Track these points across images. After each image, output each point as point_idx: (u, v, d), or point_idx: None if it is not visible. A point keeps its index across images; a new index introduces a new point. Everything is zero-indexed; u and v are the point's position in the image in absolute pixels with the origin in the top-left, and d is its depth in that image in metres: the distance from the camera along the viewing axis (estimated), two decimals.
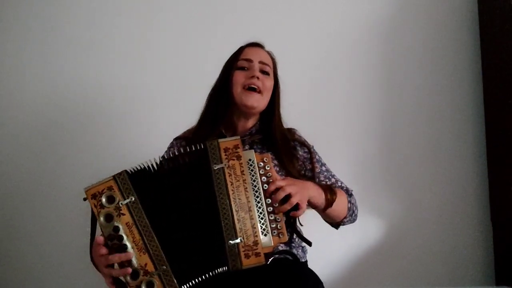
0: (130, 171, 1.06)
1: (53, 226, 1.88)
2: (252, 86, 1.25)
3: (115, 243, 1.00)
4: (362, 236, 1.86)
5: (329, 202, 1.16)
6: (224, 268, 1.03)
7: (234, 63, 1.28)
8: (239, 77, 1.26)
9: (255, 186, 1.06)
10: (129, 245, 1.01)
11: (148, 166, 1.07)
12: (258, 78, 1.25)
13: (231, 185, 1.05)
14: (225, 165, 1.06)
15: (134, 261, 1.00)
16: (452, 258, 1.87)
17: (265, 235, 1.05)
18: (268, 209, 1.07)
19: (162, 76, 1.92)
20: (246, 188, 1.06)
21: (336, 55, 1.93)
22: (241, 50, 1.31)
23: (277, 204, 1.06)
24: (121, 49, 1.93)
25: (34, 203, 1.89)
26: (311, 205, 1.15)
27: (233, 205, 1.04)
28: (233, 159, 1.07)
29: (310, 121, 1.86)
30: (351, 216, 1.28)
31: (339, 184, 1.32)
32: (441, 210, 1.88)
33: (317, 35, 1.93)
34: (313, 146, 1.36)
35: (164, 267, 1.01)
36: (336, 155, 1.86)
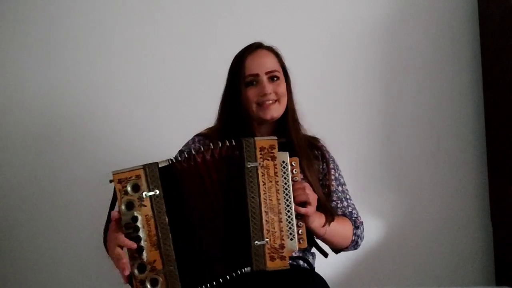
0: (162, 164, 1.04)
1: (53, 227, 1.87)
2: (268, 102, 1.22)
3: (130, 233, 0.99)
4: None
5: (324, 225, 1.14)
6: (247, 268, 1.02)
7: (240, 79, 1.23)
8: (252, 95, 1.22)
9: (286, 189, 1.05)
10: (143, 237, 1.00)
11: (180, 162, 1.04)
12: (270, 93, 1.22)
13: (263, 185, 1.04)
14: (259, 164, 1.05)
15: (144, 254, 1.00)
16: (452, 258, 1.87)
17: (291, 239, 1.04)
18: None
19: (164, 77, 1.90)
20: (278, 190, 1.05)
21: (336, 56, 1.92)
22: (242, 62, 1.25)
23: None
24: (121, 50, 1.91)
25: (34, 204, 1.87)
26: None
27: (263, 206, 1.03)
28: (268, 159, 1.05)
29: (310, 121, 1.86)
30: (353, 246, 1.27)
31: (349, 210, 1.28)
32: (441, 210, 1.88)
33: (317, 36, 1.92)
34: (334, 160, 1.34)
35: (172, 267, 1.00)
36: (337, 155, 1.85)
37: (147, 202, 1.01)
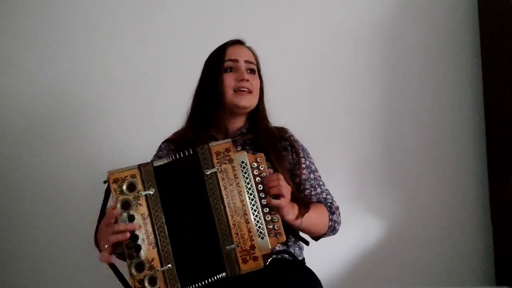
0: (156, 163, 1.05)
1: (53, 225, 1.88)
2: (243, 89, 1.25)
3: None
4: (362, 236, 1.86)
5: (299, 216, 1.14)
6: (222, 274, 1.03)
7: (220, 64, 1.27)
8: (229, 80, 1.25)
9: (249, 189, 1.06)
10: (140, 236, 1.00)
11: (173, 161, 1.06)
12: (247, 80, 1.25)
13: (225, 189, 1.05)
14: (217, 169, 1.05)
15: (142, 253, 1.00)
16: (452, 258, 1.87)
17: (262, 238, 1.04)
18: (264, 210, 1.06)
19: (163, 77, 1.92)
20: (241, 191, 1.05)
21: (336, 56, 1.93)
22: (224, 50, 1.30)
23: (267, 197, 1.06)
24: (118, 49, 1.93)
25: (34, 203, 1.89)
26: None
27: (227, 210, 1.04)
28: (225, 163, 1.05)
29: (311, 121, 1.87)
30: (332, 232, 1.27)
31: (324, 196, 1.29)
32: (441, 210, 1.88)
33: (317, 36, 1.93)
34: (303, 149, 1.34)
35: (170, 265, 1.01)
36: (337, 155, 1.87)
37: (143, 201, 1.02)
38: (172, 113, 1.87)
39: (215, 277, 1.02)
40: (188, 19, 1.94)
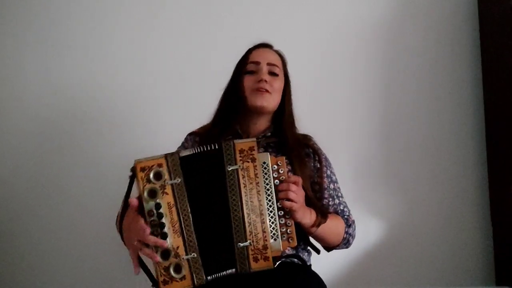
0: (182, 154, 1.06)
1: (54, 228, 1.87)
2: (260, 90, 1.25)
3: (154, 220, 1.01)
4: (362, 236, 1.85)
5: (315, 224, 1.15)
6: (232, 270, 1.04)
7: (243, 67, 1.29)
8: (248, 82, 1.26)
9: (268, 190, 1.06)
10: (166, 224, 1.01)
11: (198, 153, 1.07)
12: (266, 81, 1.25)
13: (244, 187, 1.06)
14: (239, 166, 1.06)
15: (168, 241, 1.01)
16: (452, 258, 1.87)
17: (275, 239, 1.05)
18: (279, 213, 1.07)
19: (165, 76, 1.91)
20: (259, 191, 1.06)
21: (336, 55, 1.93)
22: (249, 53, 1.31)
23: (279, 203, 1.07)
24: (123, 50, 1.93)
25: (36, 205, 1.88)
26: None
27: (244, 208, 1.05)
28: (248, 161, 1.07)
29: (311, 121, 1.86)
30: (345, 244, 1.28)
31: (341, 208, 1.29)
32: (441, 210, 1.88)
33: (317, 36, 1.93)
34: (326, 158, 1.35)
35: (194, 254, 1.02)
36: (337, 155, 1.85)
37: (169, 190, 1.03)
38: (174, 112, 1.89)
39: (225, 272, 1.04)
40: (189, 19, 1.94)
